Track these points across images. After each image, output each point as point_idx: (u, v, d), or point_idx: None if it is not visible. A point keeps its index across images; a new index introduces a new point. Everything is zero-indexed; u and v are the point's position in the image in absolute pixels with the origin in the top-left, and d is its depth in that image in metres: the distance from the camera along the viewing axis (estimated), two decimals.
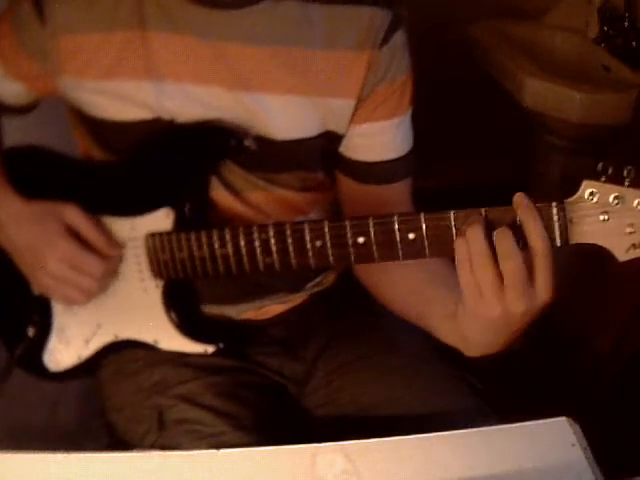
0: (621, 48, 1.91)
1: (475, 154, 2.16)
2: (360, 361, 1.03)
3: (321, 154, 0.98)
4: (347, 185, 1.01)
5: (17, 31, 0.95)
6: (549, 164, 2.09)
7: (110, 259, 0.95)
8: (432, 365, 1.02)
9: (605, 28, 1.96)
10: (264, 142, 0.94)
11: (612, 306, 1.71)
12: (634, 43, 1.87)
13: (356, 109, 0.95)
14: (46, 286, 0.96)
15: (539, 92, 1.82)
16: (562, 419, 0.74)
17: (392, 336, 1.06)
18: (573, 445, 0.73)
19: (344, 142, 0.98)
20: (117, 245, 0.96)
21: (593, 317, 1.81)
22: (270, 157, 0.95)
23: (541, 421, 0.75)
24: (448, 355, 1.03)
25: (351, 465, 0.73)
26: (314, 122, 0.95)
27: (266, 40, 0.91)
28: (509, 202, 0.77)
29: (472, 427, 0.76)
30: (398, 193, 1.00)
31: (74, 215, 0.94)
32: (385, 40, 0.92)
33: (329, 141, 0.97)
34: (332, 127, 0.96)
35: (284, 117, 0.93)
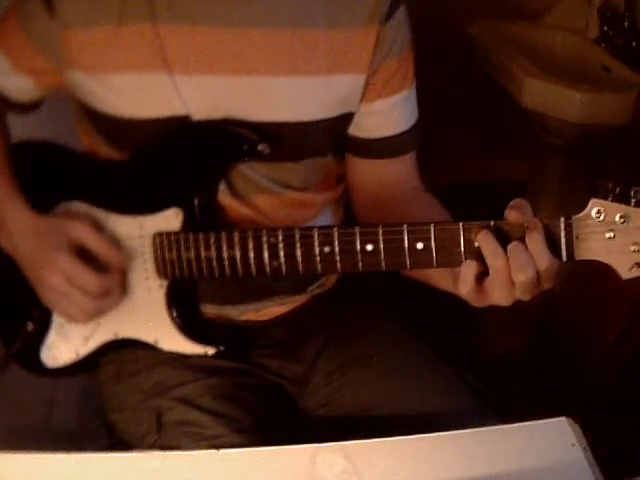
0: (621, 48, 1.91)
1: (475, 154, 2.16)
2: (360, 361, 1.03)
3: (334, 136, 1.00)
4: (358, 164, 1.03)
5: (25, 24, 0.94)
6: (549, 164, 2.10)
7: (113, 278, 0.94)
8: (432, 365, 1.02)
9: (605, 28, 1.96)
10: (276, 127, 0.94)
11: (612, 306, 1.71)
12: (634, 43, 1.87)
13: (366, 84, 0.96)
14: (48, 299, 0.96)
15: (539, 92, 1.83)
16: (562, 419, 0.75)
17: (392, 336, 1.06)
18: (573, 445, 0.73)
19: (356, 122, 0.99)
20: (124, 260, 0.95)
21: (593, 317, 1.80)
22: (286, 142, 0.95)
23: (541, 421, 0.75)
24: (448, 355, 1.03)
25: (351, 465, 0.73)
26: (326, 102, 0.96)
27: (272, 24, 0.92)
28: (509, 202, 0.77)
29: (472, 427, 0.76)
30: (407, 164, 1.04)
31: (80, 230, 0.93)
32: (389, 15, 0.95)
33: (343, 122, 0.99)
34: (345, 107, 0.97)
35: (294, 99, 0.94)
